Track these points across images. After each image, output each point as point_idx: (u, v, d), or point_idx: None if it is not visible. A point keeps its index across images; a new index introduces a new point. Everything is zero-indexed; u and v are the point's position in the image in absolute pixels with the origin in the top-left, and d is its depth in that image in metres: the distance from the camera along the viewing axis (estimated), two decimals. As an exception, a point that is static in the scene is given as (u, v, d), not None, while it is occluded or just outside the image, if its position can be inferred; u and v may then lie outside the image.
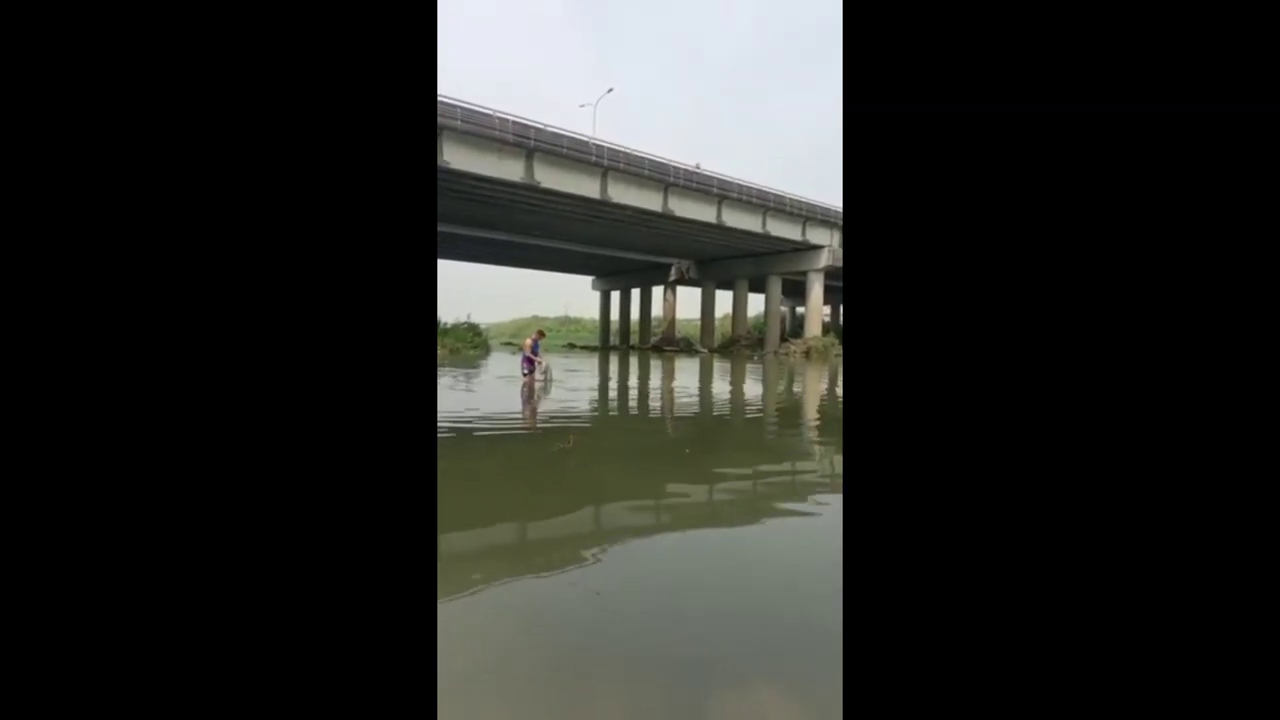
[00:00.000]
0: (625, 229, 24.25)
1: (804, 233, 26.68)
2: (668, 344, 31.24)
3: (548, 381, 9.29)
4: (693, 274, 32.41)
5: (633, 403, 7.88)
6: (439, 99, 16.29)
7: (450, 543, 2.27)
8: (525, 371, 9.33)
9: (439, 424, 4.94)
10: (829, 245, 27.07)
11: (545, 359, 9.72)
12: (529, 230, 24.76)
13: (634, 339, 37.19)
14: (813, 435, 5.33)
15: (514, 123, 17.88)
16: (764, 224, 25.29)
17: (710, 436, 5.32)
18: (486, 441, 4.58)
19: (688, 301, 37.81)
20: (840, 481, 3.27)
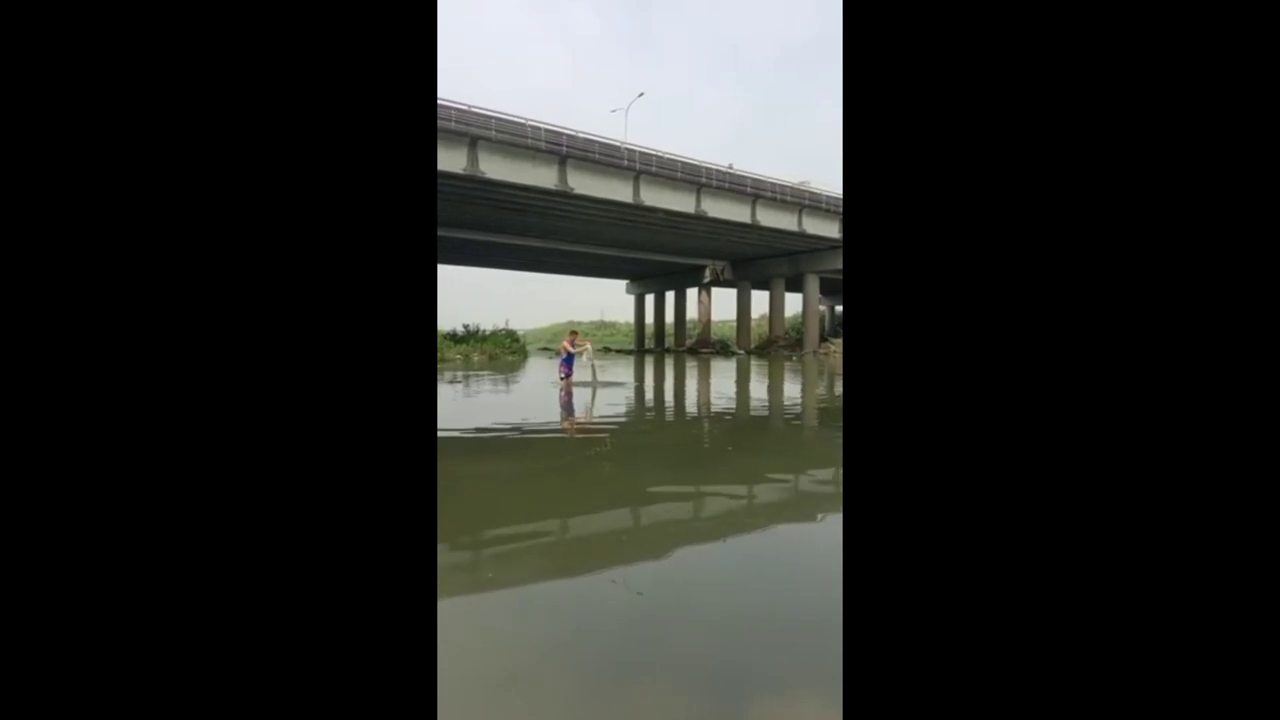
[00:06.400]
0: (659, 231, 24.26)
1: (841, 229, 26.18)
2: (703, 346, 31.04)
3: (595, 381, 9.32)
4: (728, 275, 32.09)
5: (669, 403, 7.88)
6: (473, 110, 16.68)
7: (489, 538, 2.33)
8: (563, 375, 9.36)
9: (487, 430, 5.05)
10: (867, 241, 26.41)
11: (587, 358, 9.80)
12: (563, 236, 25.05)
13: (669, 341, 37.09)
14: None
15: (547, 130, 18.13)
16: (800, 222, 24.93)
17: (751, 438, 5.28)
18: (526, 444, 4.66)
19: (723, 303, 37.50)
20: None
